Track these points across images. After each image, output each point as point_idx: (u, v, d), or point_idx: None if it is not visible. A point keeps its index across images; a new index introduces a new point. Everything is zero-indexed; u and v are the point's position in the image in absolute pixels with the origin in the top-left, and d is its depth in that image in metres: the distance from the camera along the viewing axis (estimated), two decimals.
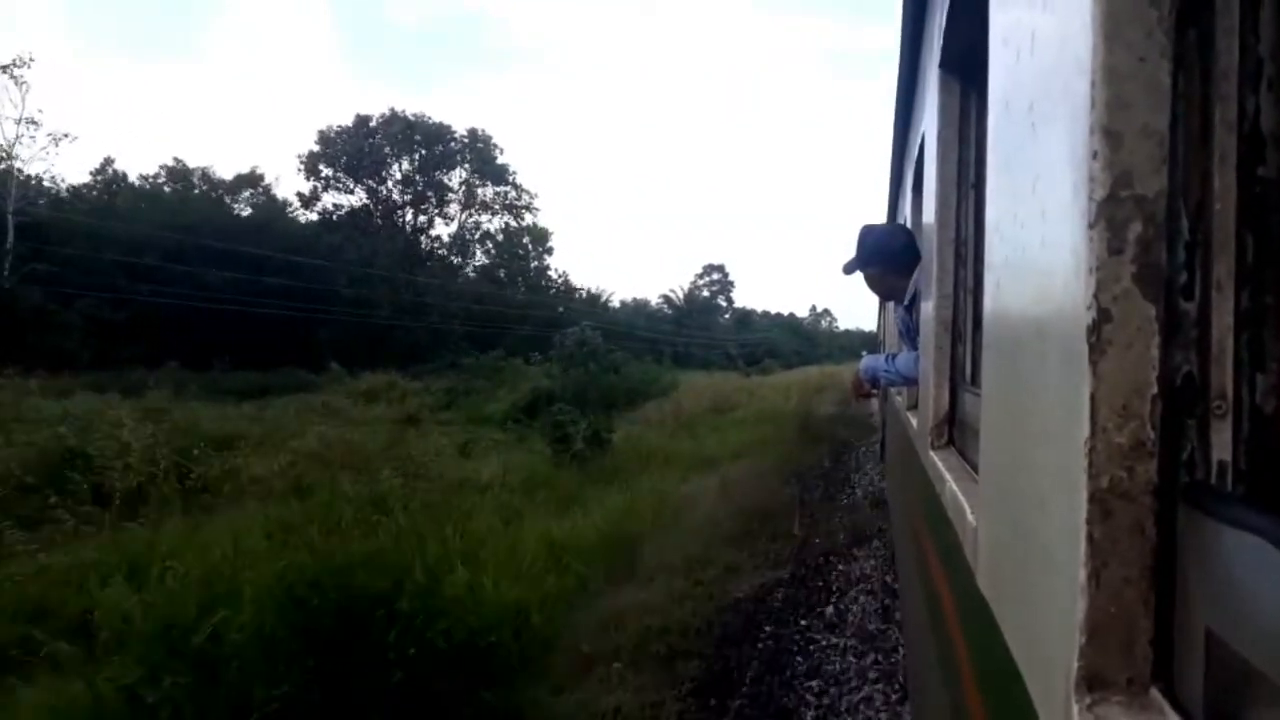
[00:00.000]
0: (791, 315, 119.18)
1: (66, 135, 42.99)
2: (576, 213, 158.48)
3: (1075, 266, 0.70)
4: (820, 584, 7.66)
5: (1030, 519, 0.91)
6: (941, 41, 2.24)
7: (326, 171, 62.26)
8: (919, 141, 3.54)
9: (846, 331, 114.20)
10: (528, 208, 70.04)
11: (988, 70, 1.21)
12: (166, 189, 54.23)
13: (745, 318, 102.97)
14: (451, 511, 9.38)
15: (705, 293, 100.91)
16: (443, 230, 68.48)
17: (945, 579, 1.93)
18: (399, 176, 64.43)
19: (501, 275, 69.27)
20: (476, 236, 69.63)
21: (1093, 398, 0.66)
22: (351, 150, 61.98)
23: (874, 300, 12.65)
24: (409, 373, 38.13)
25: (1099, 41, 0.65)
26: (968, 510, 1.52)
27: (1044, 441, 0.84)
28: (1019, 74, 0.99)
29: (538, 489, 12.22)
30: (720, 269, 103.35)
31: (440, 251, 67.07)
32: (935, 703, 2.13)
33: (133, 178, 54.08)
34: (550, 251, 73.86)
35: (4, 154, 39.70)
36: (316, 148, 62.29)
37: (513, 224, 70.41)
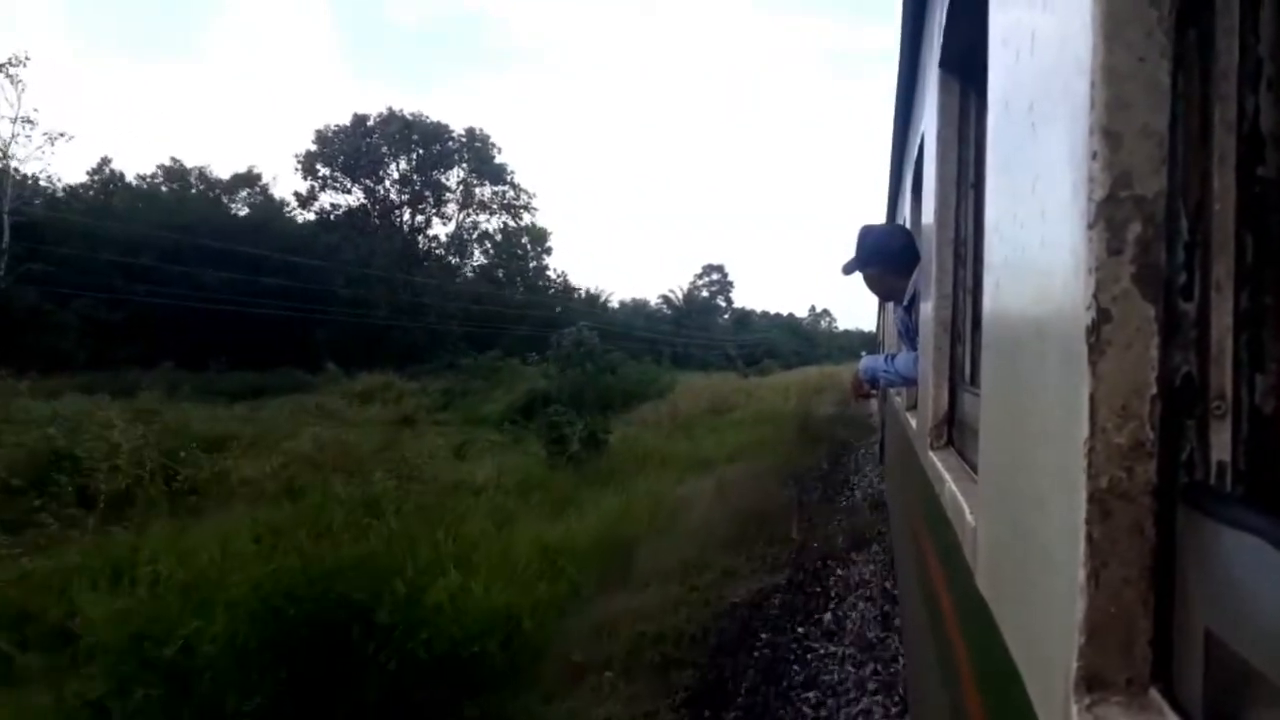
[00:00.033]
0: (791, 316, 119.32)
1: (62, 134, 42.57)
2: (576, 212, 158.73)
3: (1074, 267, 0.70)
4: (818, 589, 7.53)
5: (1029, 519, 0.91)
6: (941, 41, 2.24)
7: (324, 171, 62.20)
8: (918, 141, 3.54)
9: (846, 332, 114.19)
10: (526, 207, 69.94)
11: (987, 70, 1.21)
12: (164, 189, 54.12)
13: (744, 318, 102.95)
14: (444, 515, 9.30)
15: (704, 293, 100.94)
16: (440, 230, 68.54)
17: (944, 579, 1.93)
18: (396, 176, 64.39)
19: (500, 275, 69.12)
20: (474, 236, 69.56)
21: (1092, 398, 0.66)
22: (349, 150, 61.79)
23: (873, 301, 12.66)
24: (406, 373, 38.06)
25: (1099, 41, 0.65)
26: (967, 511, 1.52)
27: (1043, 442, 0.84)
28: (1019, 74, 0.99)
29: (532, 491, 12.12)
30: (719, 269, 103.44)
31: (438, 251, 66.97)
32: (934, 703, 2.13)
33: (130, 177, 54.11)
34: (549, 251, 73.84)
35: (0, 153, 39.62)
36: (314, 147, 62.27)
37: (511, 224, 70.36)
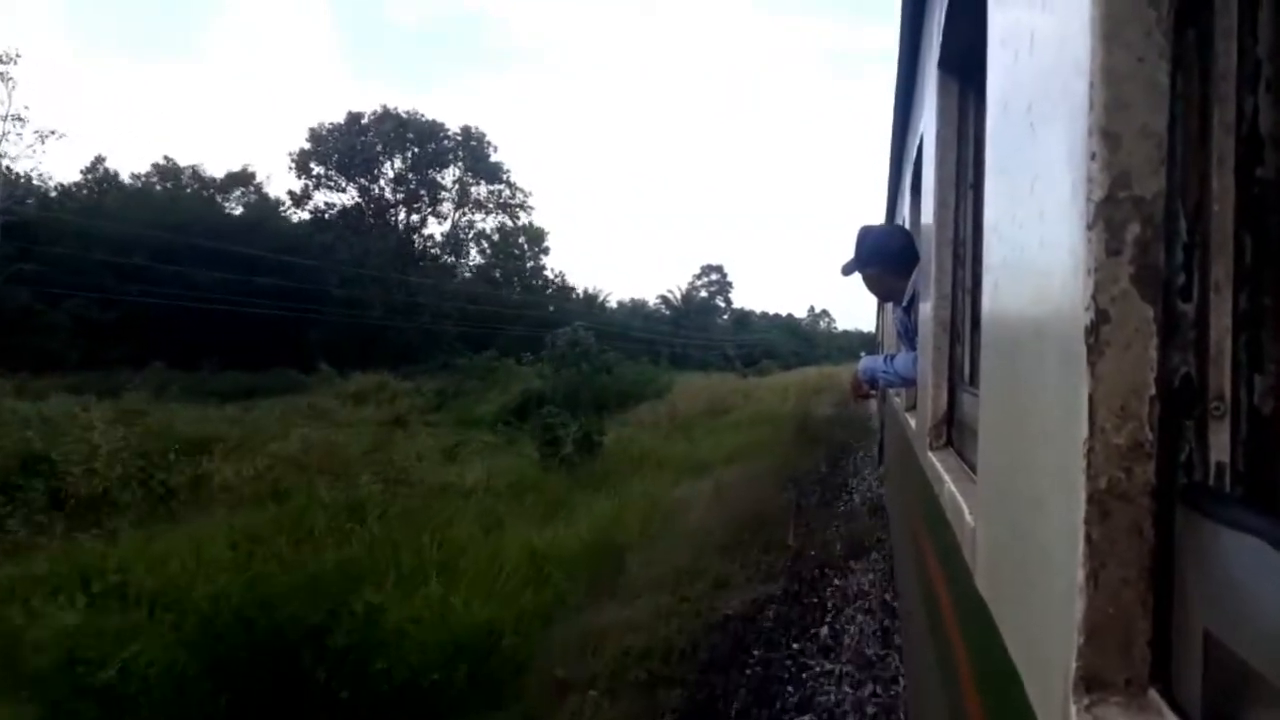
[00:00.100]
0: (790, 316, 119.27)
1: (54, 132, 42.32)
2: (575, 212, 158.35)
3: (1073, 267, 0.70)
4: (814, 600, 7.25)
5: (1028, 520, 0.91)
6: (940, 41, 2.24)
7: (318, 170, 61.64)
8: (917, 142, 3.55)
9: (845, 332, 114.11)
10: (522, 206, 69.59)
11: (986, 71, 1.21)
12: (158, 188, 53.87)
13: (743, 318, 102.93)
14: (431, 519, 9.16)
15: (703, 293, 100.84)
16: (436, 230, 68.18)
17: (943, 580, 1.93)
18: (391, 175, 63.92)
19: (497, 275, 68.93)
20: (470, 236, 69.25)
21: (1091, 399, 0.66)
22: (343, 148, 61.29)
23: (872, 301, 12.63)
24: (401, 374, 37.92)
25: (1097, 42, 0.65)
26: (966, 511, 1.53)
27: (1042, 442, 0.84)
28: (1018, 74, 0.99)
29: (524, 494, 11.94)
30: (719, 269, 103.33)
31: (433, 251, 66.63)
32: (933, 704, 2.13)
33: (125, 176, 53.90)
34: (546, 251, 73.51)
35: None
36: (308, 145, 61.64)
37: (508, 223, 70.04)
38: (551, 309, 61.81)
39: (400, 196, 64.40)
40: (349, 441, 16.87)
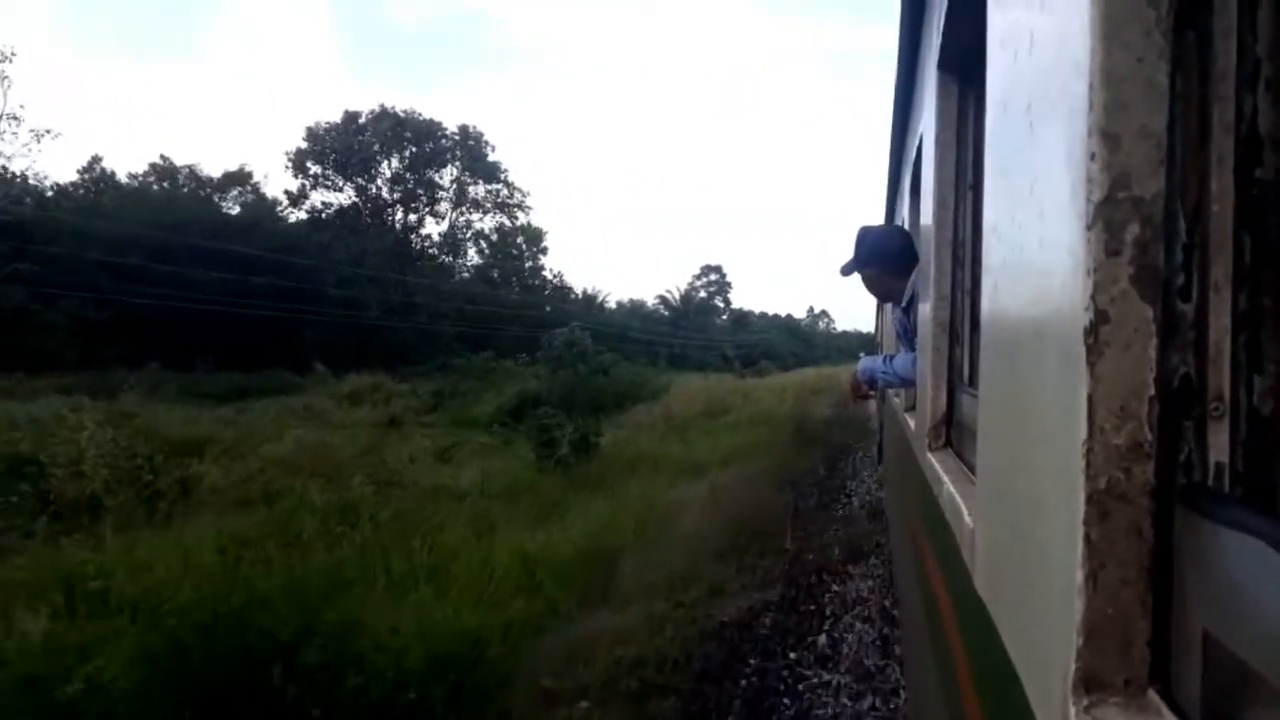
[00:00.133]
0: (789, 317, 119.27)
1: (49, 131, 41.66)
2: (573, 212, 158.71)
3: (1073, 268, 0.70)
4: (812, 607, 7.07)
5: (1028, 520, 0.91)
6: (940, 42, 2.24)
7: (315, 169, 61.11)
8: (917, 142, 3.55)
9: (844, 333, 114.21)
10: (520, 206, 69.19)
11: (986, 71, 1.21)
12: (155, 188, 53.63)
13: (742, 319, 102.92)
14: (423, 523, 9.03)
15: (702, 294, 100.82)
16: (434, 229, 67.80)
17: (943, 581, 1.93)
18: (389, 174, 63.48)
19: (495, 275, 68.71)
20: (468, 236, 68.85)
21: (1090, 399, 0.66)
22: (340, 147, 60.80)
23: (872, 302, 12.61)
24: (398, 374, 37.76)
25: (1097, 42, 0.65)
26: (965, 512, 1.52)
27: (1041, 443, 0.84)
28: (1017, 75, 0.99)
29: (518, 497, 11.79)
30: (718, 270, 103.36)
31: (431, 251, 66.24)
32: (933, 705, 2.13)
33: (122, 176, 53.58)
34: (545, 251, 73.23)
35: None
36: (305, 144, 61.13)
37: (506, 223, 69.69)
38: (548, 309, 61.54)
39: (397, 196, 63.98)
40: (342, 443, 16.69)
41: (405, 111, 62.92)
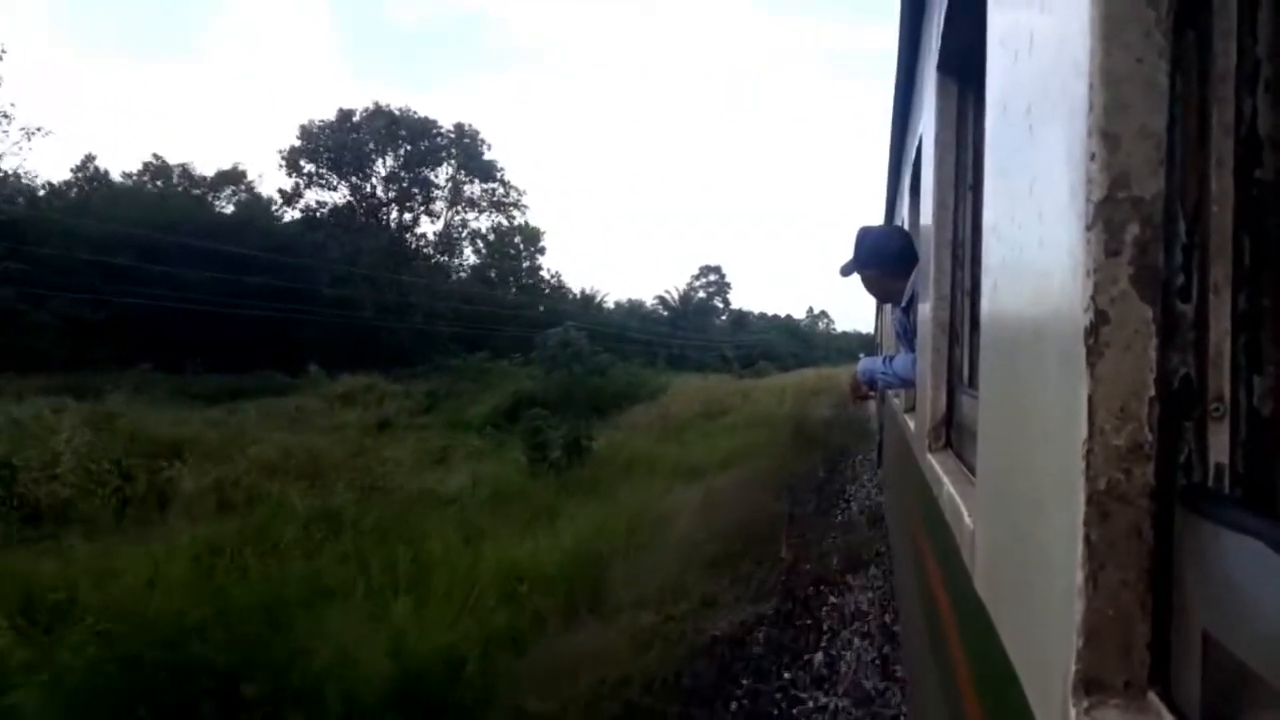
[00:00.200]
0: (789, 317, 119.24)
1: (40, 129, 41.81)
2: (572, 212, 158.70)
3: (1072, 268, 0.69)
4: (808, 622, 6.74)
5: (1028, 521, 0.91)
6: (939, 43, 2.24)
7: (309, 167, 60.47)
8: (917, 143, 3.55)
9: (844, 334, 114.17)
10: (516, 205, 68.65)
11: (985, 72, 1.21)
12: (149, 187, 53.30)
13: (742, 319, 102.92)
14: (407, 530, 8.83)
15: (701, 294, 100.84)
16: (429, 229, 67.29)
17: (942, 582, 1.93)
18: (384, 173, 62.91)
19: (492, 275, 68.42)
20: (464, 235, 68.39)
21: (1090, 400, 0.66)
22: (334, 145, 60.20)
23: (871, 302, 12.56)
24: (393, 375, 37.47)
25: (1096, 43, 0.65)
26: (965, 513, 1.52)
27: (1041, 444, 0.84)
28: (1017, 75, 0.99)
29: (508, 502, 11.46)
30: (717, 270, 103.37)
31: (426, 250, 65.72)
32: (933, 706, 2.13)
33: (116, 175, 53.35)
34: (542, 251, 72.74)
35: None
36: (298, 143, 60.46)
37: (503, 223, 69.29)
38: (542, 309, 61.07)
39: (392, 195, 63.45)
40: (331, 446, 16.50)
41: (400, 109, 62.49)
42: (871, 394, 5.28)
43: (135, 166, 55.99)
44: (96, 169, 52.71)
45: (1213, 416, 0.65)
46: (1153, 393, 0.65)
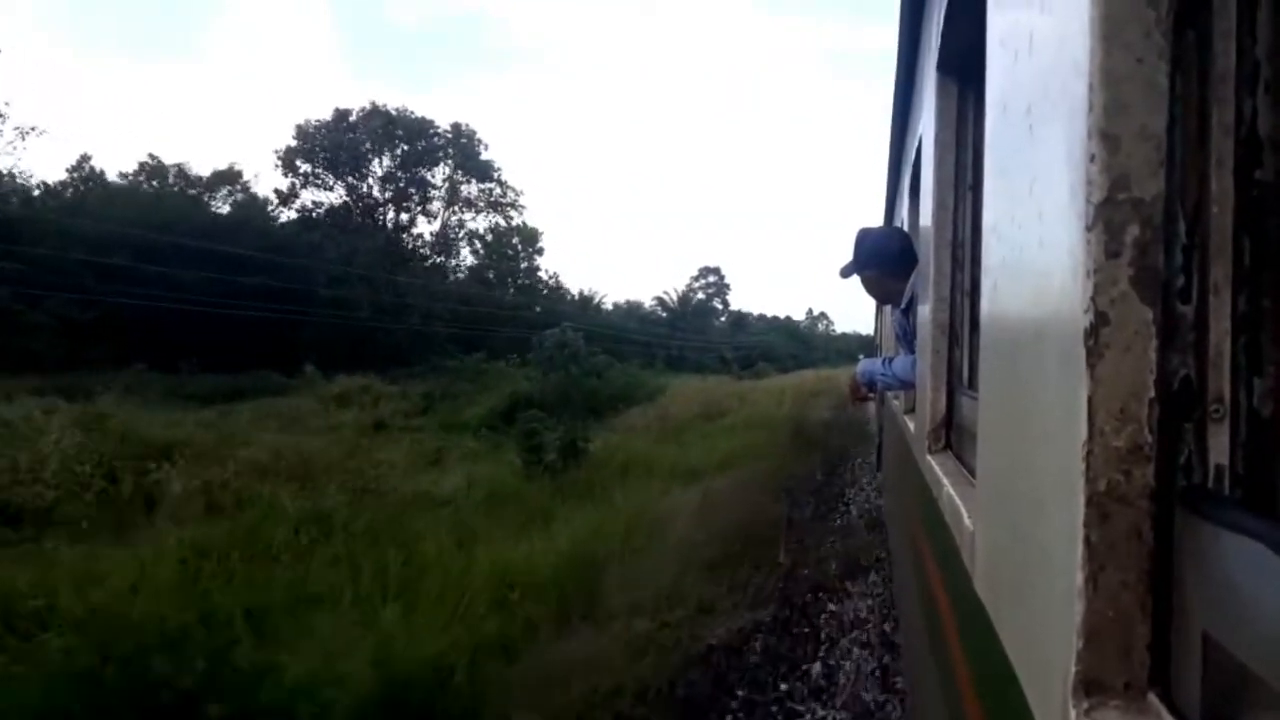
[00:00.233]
0: (788, 318, 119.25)
1: (34, 128, 41.21)
2: (573, 212, 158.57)
3: (1072, 269, 0.69)
4: (806, 630, 6.55)
5: (1028, 523, 0.91)
6: (939, 43, 2.25)
7: (305, 167, 59.99)
8: (916, 143, 3.55)
9: (843, 335, 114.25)
10: (513, 205, 68.22)
11: (985, 72, 1.21)
12: (146, 187, 53.07)
13: (741, 321, 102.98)
14: (399, 533, 8.73)
15: (700, 295, 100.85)
16: (426, 229, 66.82)
17: (942, 583, 1.92)
18: (380, 173, 62.46)
19: (490, 276, 68.20)
20: (461, 235, 67.99)
21: (1090, 401, 0.66)
22: (330, 145, 59.73)
23: (871, 304, 12.54)
24: (389, 376, 37.31)
25: (1096, 43, 0.65)
26: (965, 514, 1.52)
27: (1041, 445, 0.84)
28: (1017, 76, 0.99)
29: (502, 505, 11.33)
30: (716, 271, 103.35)
31: (423, 251, 65.35)
32: (933, 707, 2.13)
33: (113, 175, 53.10)
34: (540, 252, 72.39)
35: None
36: (294, 142, 59.95)
37: (501, 224, 68.91)
38: (538, 309, 60.82)
39: (389, 195, 63.05)
40: (324, 447, 16.30)
41: (397, 109, 62.13)
42: (871, 395, 5.28)
43: (131, 167, 55.97)
44: (92, 169, 52.55)
45: (1213, 418, 0.65)
46: (1153, 394, 0.65)
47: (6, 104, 53.79)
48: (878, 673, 5.67)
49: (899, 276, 3.56)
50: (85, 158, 52.80)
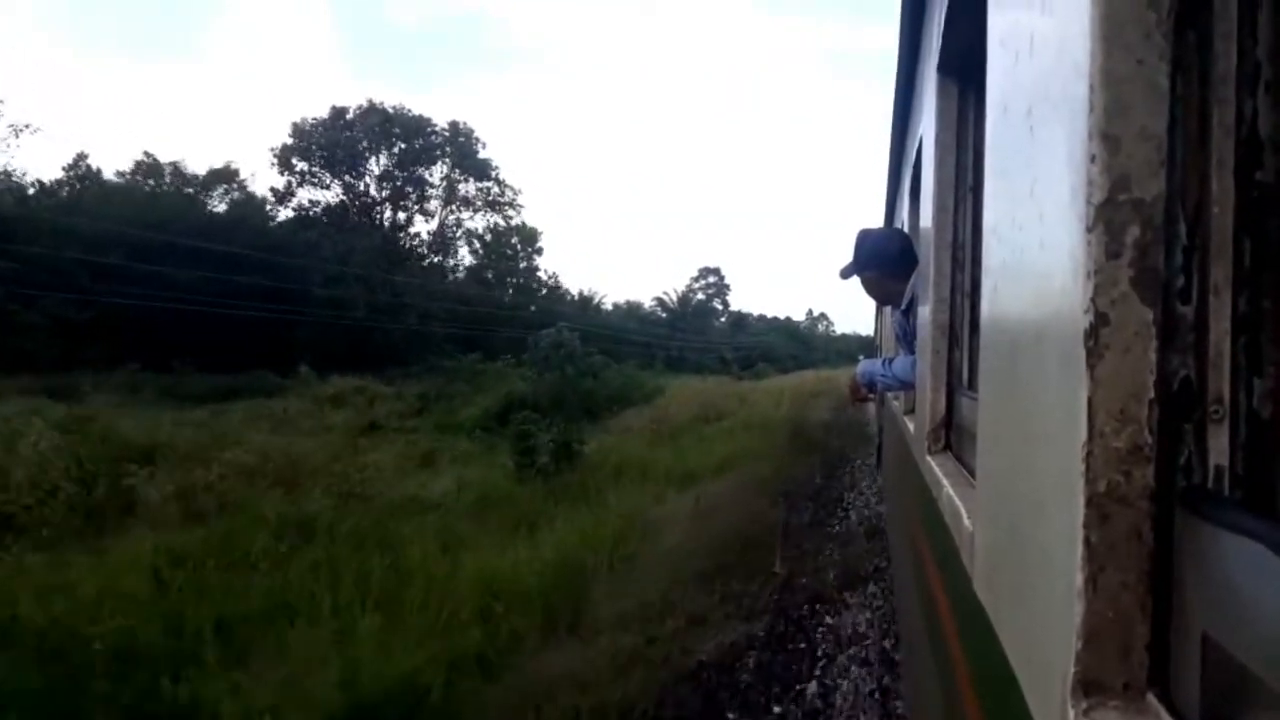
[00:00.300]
0: (788, 319, 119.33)
1: (28, 126, 40.88)
2: (573, 212, 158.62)
3: (1073, 270, 0.69)
4: (803, 645, 6.25)
5: (1027, 524, 0.91)
6: (940, 44, 2.24)
7: (301, 166, 59.68)
8: (917, 144, 3.55)
9: (843, 336, 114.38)
10: (511, 204, 68.01)
11: (986, 73, 1.21)
12: (145, 186, 52.89)
13: (741, 321, 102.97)
14: (385, 539, 8.58)
15: (700, 296, 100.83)
16: (423, 228, 66.72)
17: (942, 584, 1.92)
18: (377, 171, 62.16)
19: (489, 276, 67.97)
20: (459, 234, 67.76)
21: (1090, 402, 0.66)
22: (327, 143, 59.42)
23: (871, 305, 12.53)
24: (386, 376, 37.27)
25: (1097, 44, 0.65)
26: (965, 515, 1.52)
27: (1041, 446, 0.84)
28: (1017, 77, 0.99)
29: (493, 508, 11.17)
30: (716, 272, 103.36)
31: (420, 250, 65.16)
32: (932, 708, 2.13)
33: (110, 174, 52.93)
34: (539, 252, 72.26)
35: None
36: (290, 140, 59.62)
37: (500, 223, 68.74)
38: (533, 309, 60.66)
39: (386, 194, 62.75)
40: (314, 449, 16.12)
41: (394, 107, 61.82)
42: (871, 396, 5.27)
43: (128, 165, 55.81)
44: (89, 167, 52.40)
45: (1212, 419, 0.65)
46: (1153, 395, 0.65)
47: (0, 101, 53.58)
48: (877, 694, 5.35)
49: (899, 277, 3.56)
50: (82, 156, 52.72)
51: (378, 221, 62.49)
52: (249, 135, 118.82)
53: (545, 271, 74.80)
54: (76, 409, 17.73)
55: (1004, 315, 1.07)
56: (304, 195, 60.52)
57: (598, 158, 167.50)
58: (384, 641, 5.72)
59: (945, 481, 1.90)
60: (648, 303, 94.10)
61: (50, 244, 36.89)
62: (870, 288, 3.88)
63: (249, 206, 55.77)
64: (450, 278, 64.74)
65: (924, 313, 2.58)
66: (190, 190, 54.84)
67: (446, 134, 64.35)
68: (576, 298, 74.34)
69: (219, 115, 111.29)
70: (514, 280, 70.27)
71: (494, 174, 66.57)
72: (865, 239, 3.76)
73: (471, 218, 67.77)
